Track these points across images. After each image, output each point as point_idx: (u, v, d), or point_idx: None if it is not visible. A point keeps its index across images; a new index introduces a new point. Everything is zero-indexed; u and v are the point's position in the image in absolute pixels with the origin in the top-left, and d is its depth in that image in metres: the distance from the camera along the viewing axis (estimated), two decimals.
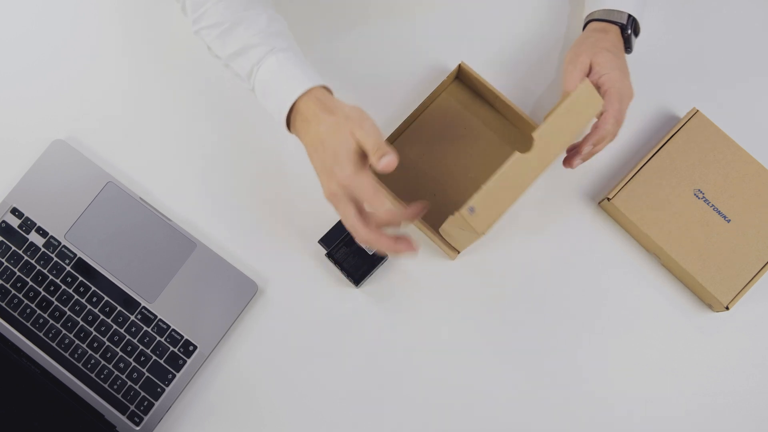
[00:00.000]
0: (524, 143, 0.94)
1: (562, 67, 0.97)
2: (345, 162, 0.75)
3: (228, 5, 0.82)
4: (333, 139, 0.77)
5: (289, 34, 0.85)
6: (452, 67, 0.98)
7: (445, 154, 0.95)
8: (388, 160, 0.73)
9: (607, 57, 0.88)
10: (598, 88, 0.88)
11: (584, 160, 0.89)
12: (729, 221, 0.91)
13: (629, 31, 0.91)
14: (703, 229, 0.91)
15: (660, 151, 0.93)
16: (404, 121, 0.94)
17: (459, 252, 0.92)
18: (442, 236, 0.90)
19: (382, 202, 0.74)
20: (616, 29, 0.91)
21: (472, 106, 0.96)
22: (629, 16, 0.91)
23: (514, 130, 0.96)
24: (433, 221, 0.92)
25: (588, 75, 0.89)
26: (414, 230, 0.94)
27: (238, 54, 0.82)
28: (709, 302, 0.92)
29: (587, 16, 0.94)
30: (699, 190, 0.92)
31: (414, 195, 0.93)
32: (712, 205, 0.92)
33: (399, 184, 0.94)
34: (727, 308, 0.90)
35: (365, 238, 0.76)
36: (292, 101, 0.80)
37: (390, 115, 0.97)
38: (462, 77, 0.96)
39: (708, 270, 0.90)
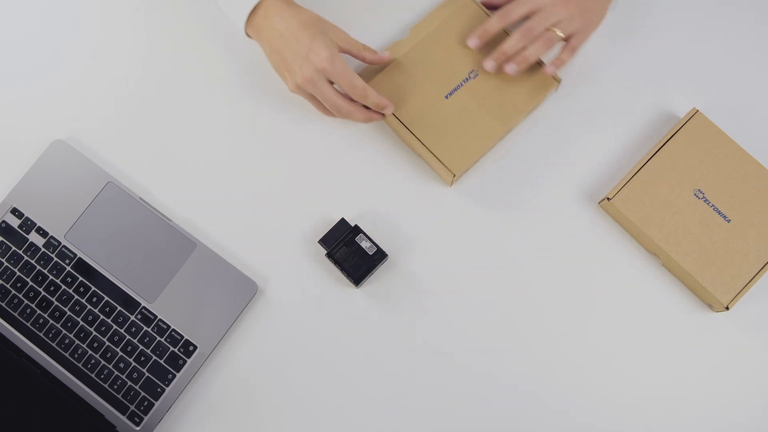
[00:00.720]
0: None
1: None
2: (323, 47, 0.86)
3: None
4: (309, 29, 0.86)
5: None
6: None
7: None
8: (388, 53, 0.92)
9: None
10: None
11: (497, 62, 0.93)
12: (729, 221, 0.91)
13: None
14: (703, 229, 0.91)
15: (660, 151, 0.93)
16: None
17: (454, 175, 0.92)
18: (436, 156, 0.92)
19: (356, 80, 0.87)
20: None
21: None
22: None
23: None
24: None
25: None
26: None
27: None
28: (709, 302, 0.92)
29: None
30: (699, 190, 0.92)
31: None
32: (712, 205, 0.91)
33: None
34: (727, 308, 0.90)
35: (348, 109, 0.89)
36: (255, 1, 0.87)
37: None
38: None
39: (708, 270, 0.90)
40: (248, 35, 0.91)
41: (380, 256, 0.91)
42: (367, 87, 0.88)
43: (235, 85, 0.97)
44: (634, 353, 0.92)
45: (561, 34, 0.91)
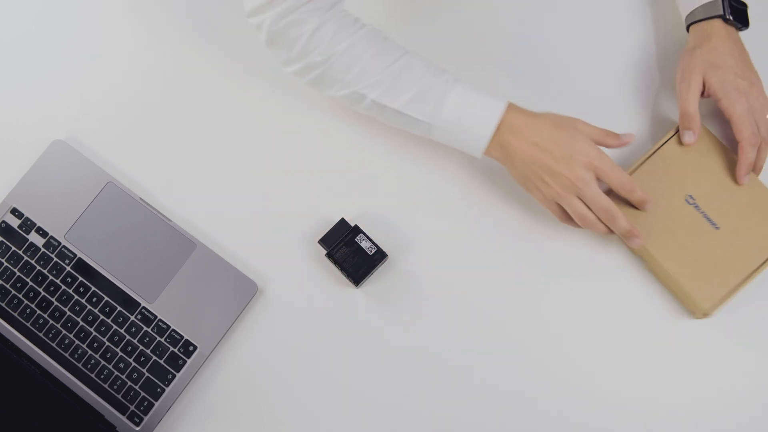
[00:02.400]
0: None
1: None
2: (586, 145, 0.84)
3: (378, 59, 0.85)
4: (565, 130, 0.84)
5: (438, 64, 0.87)
6: None
7: None
8: (631, 134, 0.87)
9: (718, 77, 0.88)
10: (721, 113, 0.91)
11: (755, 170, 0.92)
12: (718, 228, 0.91)
13: (728, 15, 0.88)
14: (691, 235, 0.91)
15: (654, 155, 0.93)
16: None
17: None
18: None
19: (623, 173, 0.85)
20: (719, 25, 0.89)
21: None
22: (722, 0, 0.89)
23: None
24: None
25: (703, 95, 0.91)
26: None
27: (413, 100, 0.85)
28: (691, 308, 0.92)
29: (686, 19, 0.93)
30: (690, 196, 0.92)
31: None
32: (702, 212, 0.91)
33: None
34: (708, 315, 0.90)
35: (614, 212, 0.85)
36: (497, 120, 0.84)
37: None
38: None
39: (692, 276, 0.90)
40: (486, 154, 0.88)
41: (380, 256, 0.91)
42: (633, 181, 0.86)
43: (235, 85, 0.98)
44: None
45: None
